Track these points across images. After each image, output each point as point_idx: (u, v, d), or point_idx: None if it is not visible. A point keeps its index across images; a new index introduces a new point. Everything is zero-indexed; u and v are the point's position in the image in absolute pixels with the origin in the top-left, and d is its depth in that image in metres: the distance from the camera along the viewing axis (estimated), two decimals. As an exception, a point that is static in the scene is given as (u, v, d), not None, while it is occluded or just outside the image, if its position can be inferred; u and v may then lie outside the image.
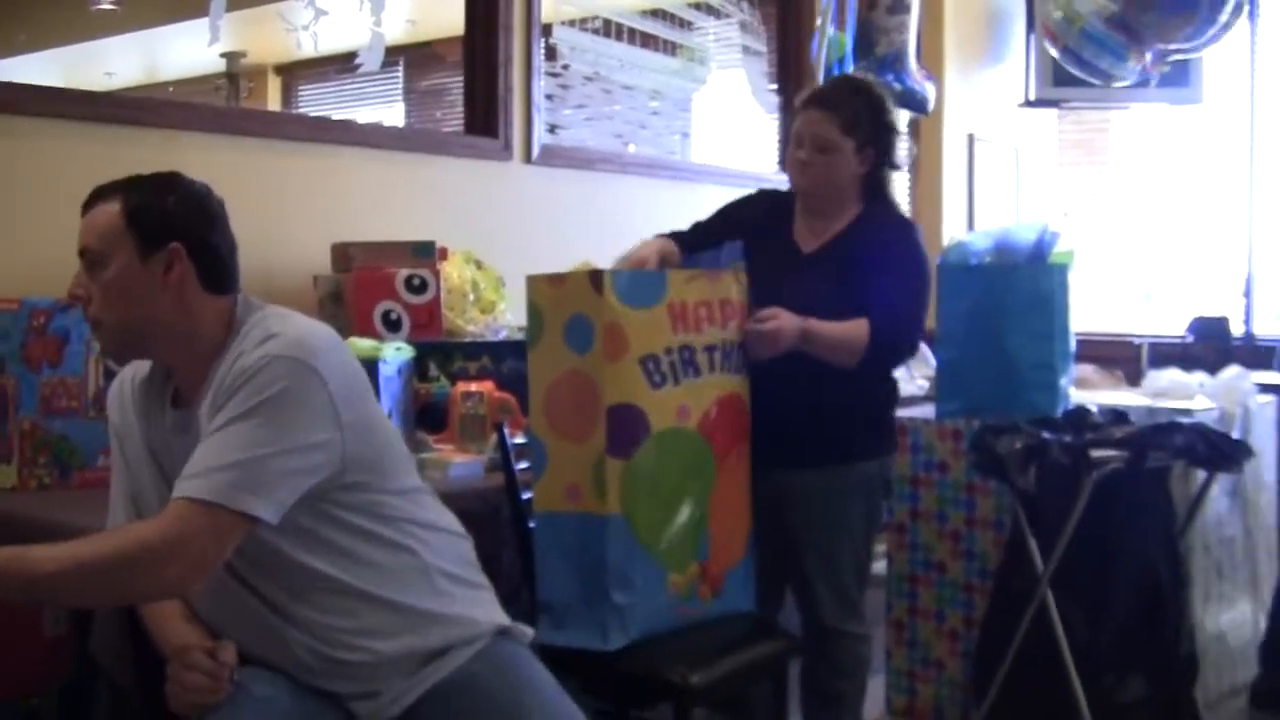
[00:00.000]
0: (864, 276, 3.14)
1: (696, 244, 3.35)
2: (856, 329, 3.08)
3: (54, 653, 2.33)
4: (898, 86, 5.81)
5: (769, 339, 3.03)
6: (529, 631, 2.40)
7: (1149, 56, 6.28)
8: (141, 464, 2.23)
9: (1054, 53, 6.56)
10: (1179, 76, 6.56)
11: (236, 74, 8.96)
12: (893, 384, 3.40)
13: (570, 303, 2.86)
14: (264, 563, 2.12)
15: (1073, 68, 6.52)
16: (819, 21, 5.67)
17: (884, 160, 3.30)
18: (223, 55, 8.51)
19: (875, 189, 3.31)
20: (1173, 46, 6.24)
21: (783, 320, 3.03)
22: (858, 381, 3.19)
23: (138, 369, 2.27)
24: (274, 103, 9.62)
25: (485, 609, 2.33)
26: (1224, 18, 6.09)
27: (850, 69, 5.60)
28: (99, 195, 2.18)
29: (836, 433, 3.21)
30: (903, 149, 3.36)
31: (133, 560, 1.93)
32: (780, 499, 3.21)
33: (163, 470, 2.19)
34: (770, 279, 3.15)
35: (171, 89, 9.18)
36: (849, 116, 3.21)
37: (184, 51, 8.43)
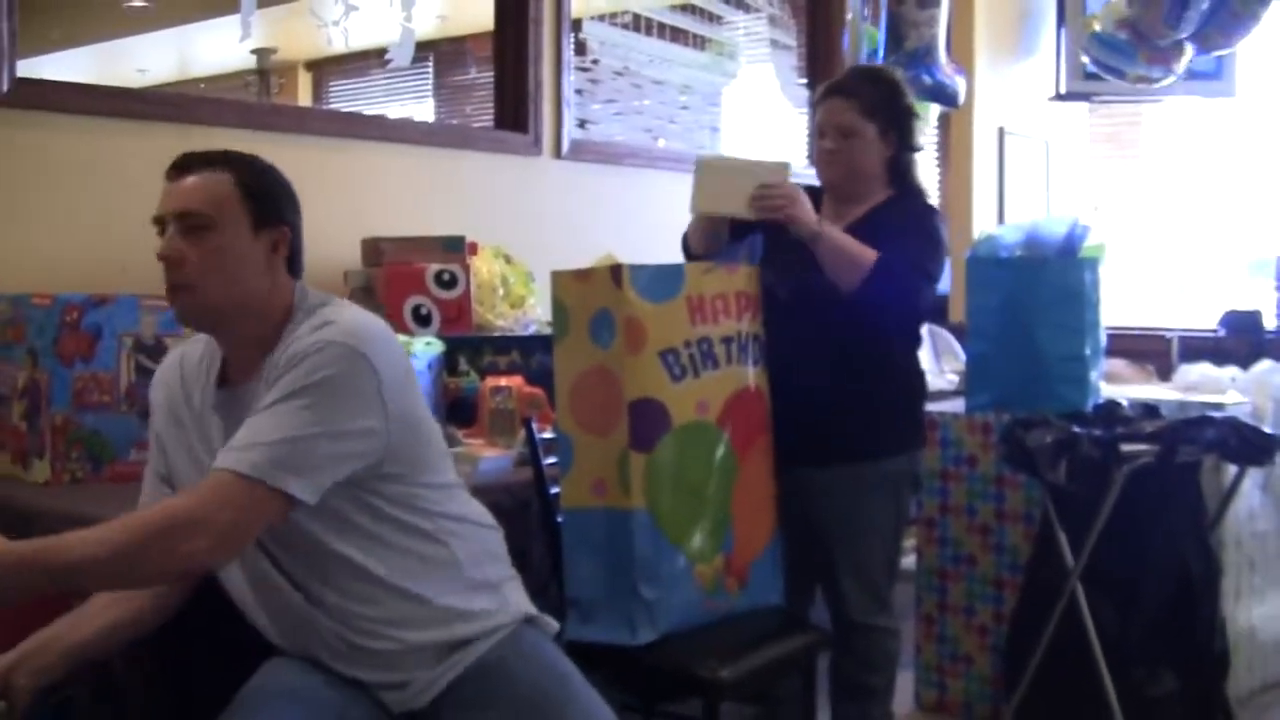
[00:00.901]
0: (877, 248, 3.14)
1: (737, 231, 3.35)
2: (864, 249, 3.05)
3: (87, 645, 2.34)
4: (928, 80, 5.81)
5: (786, 195, 3.04)
6: (554, 623, 2.41)
7: (1188, 51, 6.25)
8: (177, 442, 2.25)
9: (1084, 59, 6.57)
10: (1212, 70, 6.52)
11: (267, 70, 9.00)
12: (919, 378, 3.40)
13: (595, 298, 2.87)
14: (296, 546, 2.14)
15: (1096, 68, 6.53)
16: (849, 16, 5.66)
17: (905, 144, 3.31)
18: (253, 51, 8.55)
19: (901, 174, 3.32)
20: (1183, 37, 6.22)
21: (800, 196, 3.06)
22: (881, 375, 3.20)
23: (188, 350, 2.28)
24: (304, 99, 9.65)
25: (513, 597, 2.34)
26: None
27: (881, 63, 5.59)
28: (198, 162, 2.18)
29: (860, 429, 3.20)
30: (923, 132, 3.37)
31: (164, 531, 1.92)
32: (806, 494, 3.21)
33: (197, 448, 2.21)
34: (790, 267, 3.15)
35: (203, 85, 9.24)
36: (868, 102, 3.25)
37: (215, 48, 8.48)
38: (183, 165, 2.18)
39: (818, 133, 3.32)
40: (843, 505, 3.23)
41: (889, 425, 3.26)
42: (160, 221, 2.16)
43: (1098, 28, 6.45)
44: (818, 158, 3.34)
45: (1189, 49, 6.29)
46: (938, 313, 6.06)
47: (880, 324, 3.16)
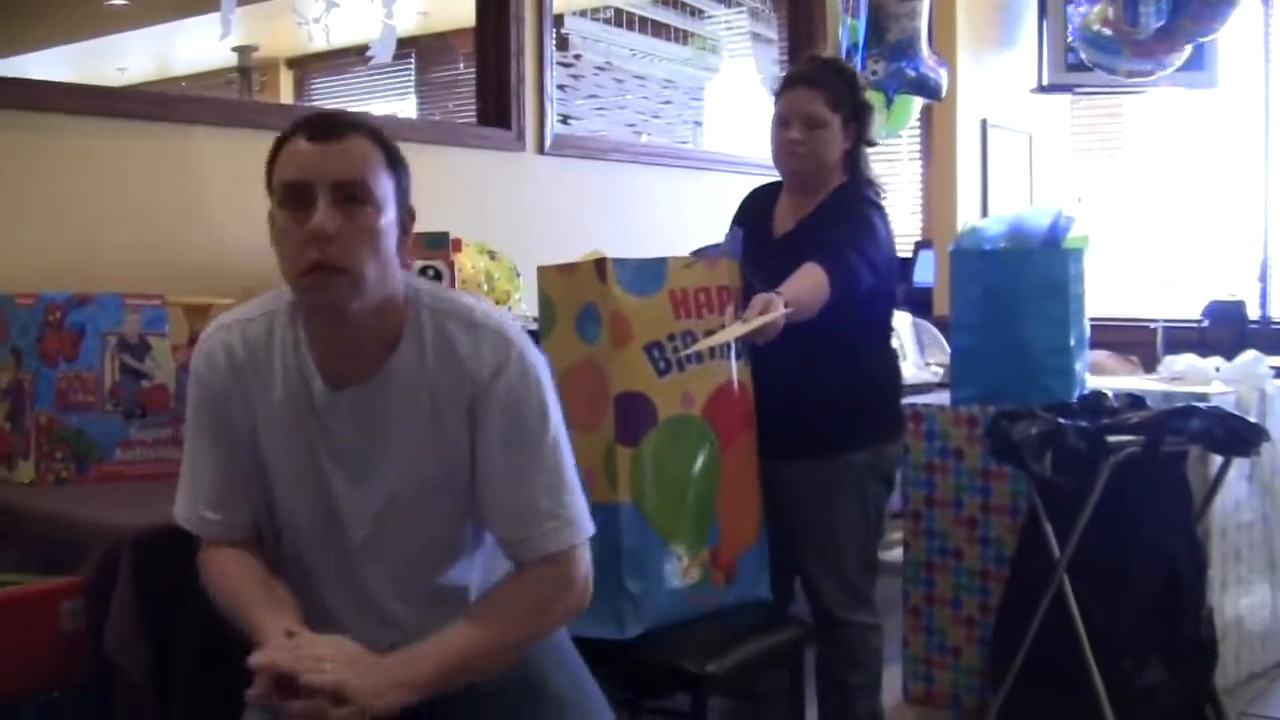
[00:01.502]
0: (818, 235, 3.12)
1: None
2: (811, 276, 2.97)
3: (72, 647, 2.34)
4: (910, 73, 5.81)
5: (769, 331, 2.97)
6: None
7: (1176, 44, 6.25)
8: (257, 439, 2.09)
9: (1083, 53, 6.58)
10: (1194, 61, 6.53)
11: (249, 68, 8.98)
12: (888, 373, 3.38)
13: (580, 292, 2.88)
14: (421, 570, 2.13)
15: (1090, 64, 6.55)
16: (838, 7, 5.66)
17: (862, 137, 3.31)
18: (234, 49, 8.52)
19: (853, 166, 3.31)
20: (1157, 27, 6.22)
21: (771, 308, 2.88)
22: (844, 369, 3.19)
23: (229, 340, 2.08)
24: (286, 96, 9.63)
25: None
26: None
27: (864, 56, 5.60)
28: (344, 125, 1.98)
29: (820, 422, 3.18)
30: (876, 125, 3.36)
31: (548, 629, 2.11)
32: (775, 488, 3.20)
33: (316, 452, 2.07)
34: (764, 263, 3.14)
35: (184, 84, 9.20)
36: (834, 92, 3.24)
37: (196, 46, 8.44)
38: (327, 127, 1.96)
39: (781, 122, 3.27)
40: (806, 500, 3.22)
41: (851, 419, 3.23)
42: (297, 189, 1.93)
43: (1088, 25, 6.46)
44: (782, 148, 3.28)
45: (1179, 42, 6.28)
46: (922, 305, 6.09)
47: (836, 318, 3.10)
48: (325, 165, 1.92)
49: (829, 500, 3.23)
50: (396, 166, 2.01)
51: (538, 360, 2.07)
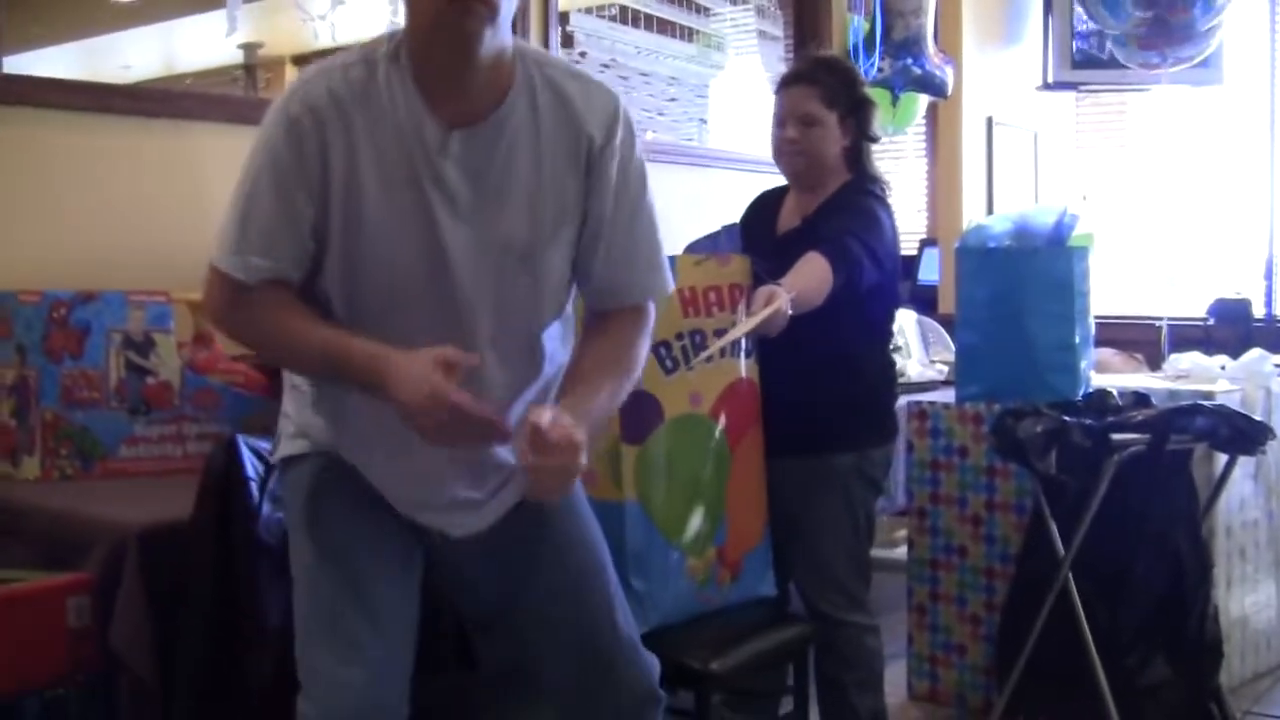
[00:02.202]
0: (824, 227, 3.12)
1: None
2: (813, 268, 2.95)
3: (78, 644, 2.34)
4: (916, 70, 5.81)
5: (777, 322, 2.95)
6: None
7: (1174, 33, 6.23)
8: (356, 180, 2.06)
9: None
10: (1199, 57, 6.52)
11: (254, 65, 8.95)
12: (881, 378, 3.36)
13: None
14: (519, 323, 2.18)
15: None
16: (844, 4, 5.67)
17: (863, 132, 3.30)
18: (240, 46, 8.51)
19: (855, 162, 3.30)
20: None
21: (773, 300, 2.86)
22: (833, 370, 3.17)
23: (331, 85, 2.05)
24: (292, 93, 9.62)
25: None
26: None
27: (875, 52, 5.60)
28: None
29: (806, 421, 3.16)
30: (878, 121, 3.36)
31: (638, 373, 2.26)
32: (767, 484, 3.21)
33: (424, 191, 2.07)
34: (759, 260, 3.13)
35: (189, 81, 9.19)
36: (829, 89, 3.23)
37: (201, 43, 8.42)
38: None
39: (778, 123, 3.28)
40: (790, 497, 3.21)
41: (839, 421, 3.21)
42: None
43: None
44: (780, 148, 3.29)
45: (1175, 32, 6.26)
46: (927, 303, 6.08)
47: (836, 315, 3.10)
48: None
49: (812, 500, 3.21)
50: None
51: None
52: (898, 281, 3.36)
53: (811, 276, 2.93)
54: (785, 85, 3.33)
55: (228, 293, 2.06)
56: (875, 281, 3.10)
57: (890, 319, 3.40)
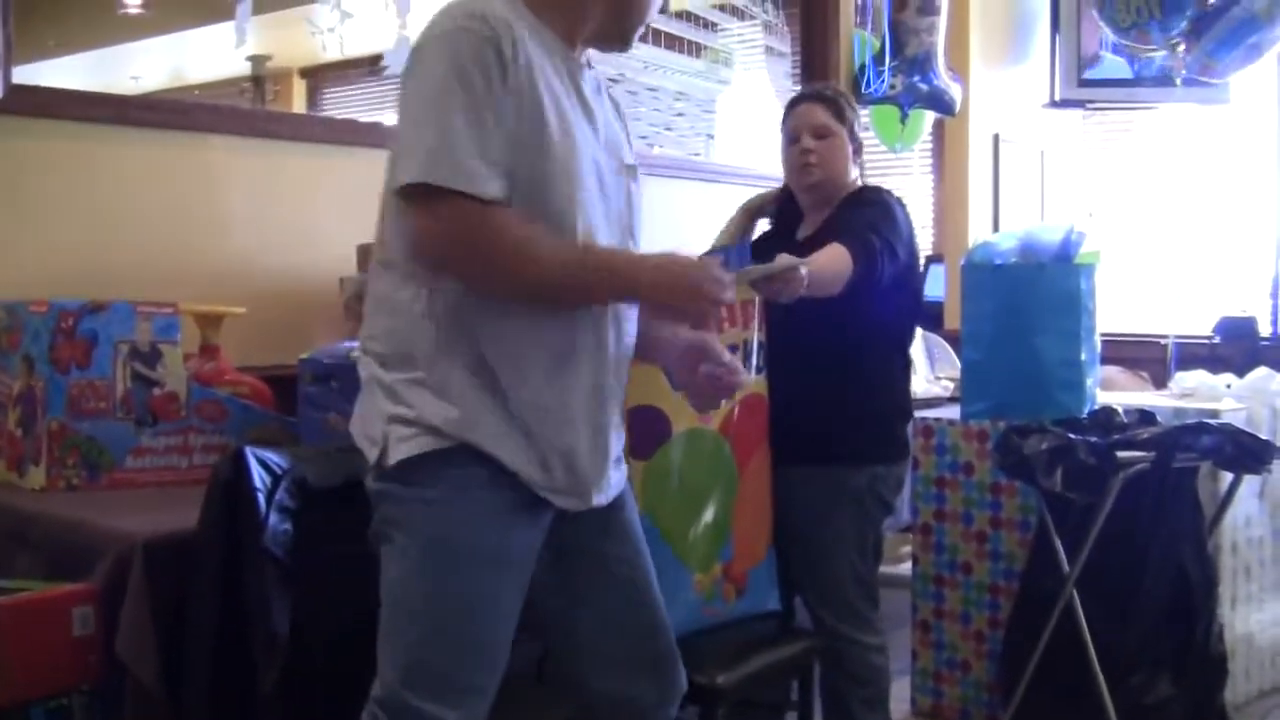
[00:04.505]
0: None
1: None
2: (833, 256, 2.97)
3: (83, 653, 2.34)
4: (925, 87, 5.81)
5: (793, 284, 2.92)
6: None
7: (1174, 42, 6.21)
8: (536, 89, 2.08)
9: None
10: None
11: (262, 77, 8.98)
12: (895, 395, 3.37)
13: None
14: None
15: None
16: (851, 21, 5.68)
17: (857, 156, 3.39)
18: (248, 58, 8.53)
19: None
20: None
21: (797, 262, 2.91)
22: (846, 383, 3.19)
23: (489, 12, 2.06)
24: (299, 106, 9.63)
25: None
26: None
27: (885, 69, 5.61)
28: None
29: (819, 433, 3.18)
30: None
31: None
32: (775, 494, 3.20)
33: (574, 108, 2.18)
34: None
35: (197, 92, 9.22)
36: (835, 106, 3.35)
37: (210, 55, 8.46)
38: None
39: (791, 138, 3.35)
40: (799, 512, 3.21)
41: (849, 432, 3.22)
42: None
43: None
44: (795, 163, 3.34)
45: (1174, 41, 6.24)
46: (933, 320, 6.07)
47: (857, 327, 3.12)
48: None
49: (823, 518, 3.22)
50: None
51: None
52: (920, 285, 3.47)
53: (832, 262, 2.96)
54: (793, 105, 3.42)
55: (473, 215, 2.00)
56: (893, 274, 3.12)
57: (909, 336, 3.43)
